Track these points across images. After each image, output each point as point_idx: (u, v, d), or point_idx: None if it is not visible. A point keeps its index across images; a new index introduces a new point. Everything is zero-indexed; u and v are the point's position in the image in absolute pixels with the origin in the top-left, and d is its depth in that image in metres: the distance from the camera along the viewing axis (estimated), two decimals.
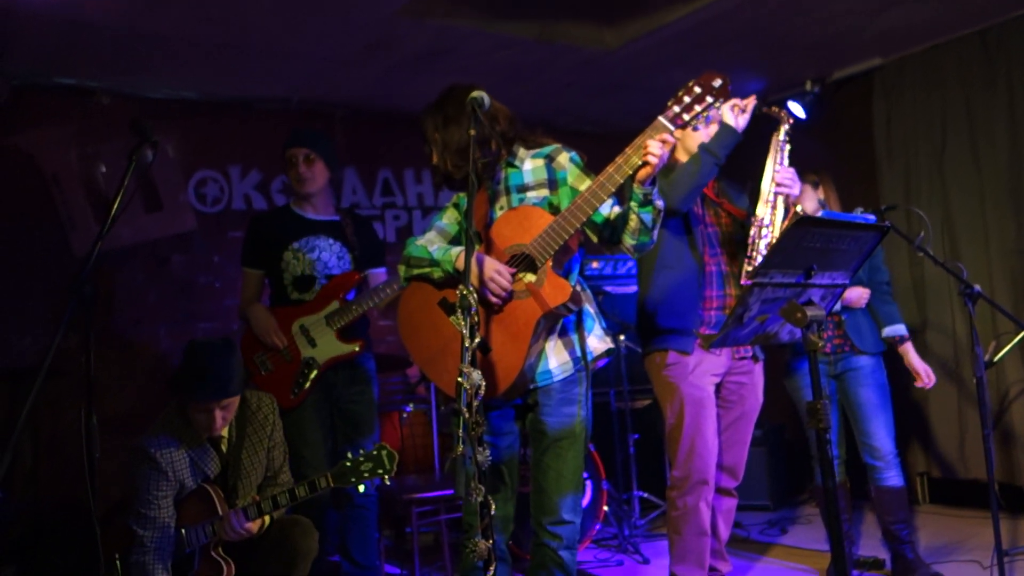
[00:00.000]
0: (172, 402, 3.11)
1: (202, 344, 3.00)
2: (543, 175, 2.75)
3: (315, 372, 3.63)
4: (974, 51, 5.07)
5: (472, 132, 2.45)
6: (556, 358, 2.70)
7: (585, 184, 2.59)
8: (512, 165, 2.79)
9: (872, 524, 4.87)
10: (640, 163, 2.46)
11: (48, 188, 4.96)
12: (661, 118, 2.46)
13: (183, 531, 3.00)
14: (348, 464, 2.95)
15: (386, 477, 2.95)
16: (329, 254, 3.76)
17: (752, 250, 3.28)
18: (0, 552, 3.97)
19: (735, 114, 3.20)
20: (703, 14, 4.58)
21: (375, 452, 2.94)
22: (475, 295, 2.21)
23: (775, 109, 3.39)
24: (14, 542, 4.01)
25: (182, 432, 3.02)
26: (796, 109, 5.78)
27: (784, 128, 3.36)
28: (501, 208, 2.76)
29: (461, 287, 2.20)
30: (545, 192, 2.74)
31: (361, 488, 3.16)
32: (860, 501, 5.19)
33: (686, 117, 2.45)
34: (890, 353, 3.97)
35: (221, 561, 3.00)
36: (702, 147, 3.21)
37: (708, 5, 4.48)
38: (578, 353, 2.73)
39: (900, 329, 3.90)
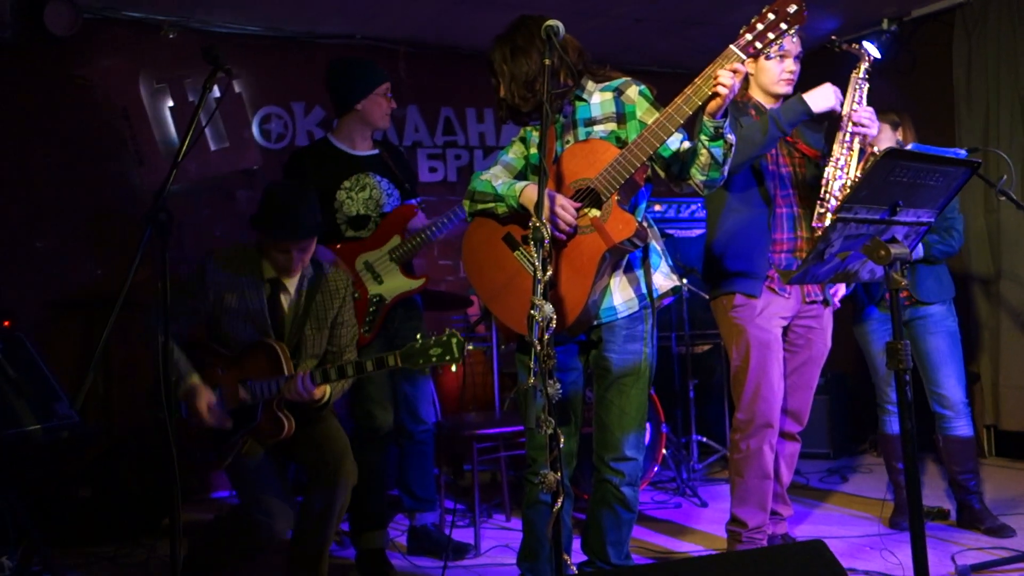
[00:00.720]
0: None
1: (281, 185, 3.04)
2: (611, 108, 2.69)
3: (384, 309, 3.65)
4: None
5: (547, 61, 2.40)
6: (621, 294, 2.66)
7: (654, 118, 2.52)
8: (580, 98, 2.73)
9: (936, 475, 4.80)
10: (710, 94, 2.38)
11: (118, 122, 5.02)
12: (732, 46, 2.37)
13: (248, 384, 3.04)
14: (417, 346, 2.88)
15: (452, 365, 2.93)
16: (379, 191, 3.73)
17: (825, 191, 3.19)
18: (76, 474, 4.11)
19: (836, 96, 3.07)
20: None
21: (444, 338, 2.87)
22: (548, 227, 2.18)
23: (855, 46, 3.29)
24: (89, 465, 4.14)
25: (246, 262, 3.09)
26: (871, 49, 5.56)
27: (864, 66, 3.26)
28: (568, 142, 2.71)
29: (533, 219, 2.17)
30: (613, 126, 2.68)
31: (427, 371, 3.11)
32: (923, 452, 5.11)
33: (759, 45, 2.35)
34: (961, 303, 3.85)
35: (283, 418, 3.02)
36: (771, 117, 3.10)
37: None
38: (643, 290, 2.69)
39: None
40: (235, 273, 3.08)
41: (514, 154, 2.84)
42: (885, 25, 5.60)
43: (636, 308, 2.68)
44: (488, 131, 6.07)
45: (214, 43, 2.51)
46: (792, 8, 2.32)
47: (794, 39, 3.17)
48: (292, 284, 3.15)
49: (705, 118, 2.45)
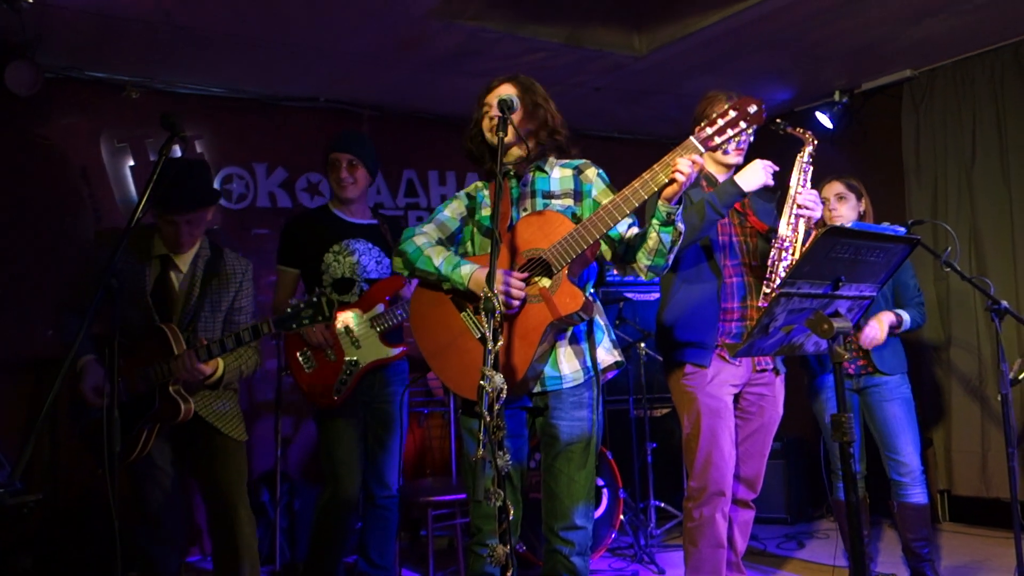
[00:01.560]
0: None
1: (175, 160, 3.08)
2: (570, 185, 2.76)
3: (357, 375, 3.63)
4: (1007, 64, 5.02)
5: (501, 134, 2.46)
6: (568, 365, 2.68)
7: (609, 199, 2.58)
8: (541, 170, 2.79)
9: (891, 541, 4.82)
10: (667, 181, 2.46)
11: (76, 181, 4.99)
12: (692, 138, 2.46)
13: (143, 370, 3.02)
14: (290, 310, 2.99)
15: (325, 325, 3.16)
16: (368, 258, 3.76)
17: (771, 272, 3.25)
18: (17, 543, 3.99)
19: (766, 172, 3.16)
20: (733, 21, 4.56)
21: (315, 299, 2.98)
22: (499, 299, 2.20)
23: (799, 130, 3.37)
24: (31, 534, 4.02)
25: (136, 241, 3.12)
26: (823, 119, 5.75)
27: (808, 150, 3.33)
28: (525, 210, 2.75)
29: (485, 290, 2.19)
30: (570, 202, 2.74)
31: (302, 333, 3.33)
32: (879, 517, 5.13)
33: (718, 140, 2.45)
34: (913, 371, 3.92)
35: (179, 398, 3.01)
36: (707, 202, 3.17)
37: (739, 12, 4.45)
38: (588, 362, 2.72)
39: (904, 314, 3.79)
40: (124, 255, 3.09)
41: (451, 212, 2.85)
42: (837, 97, 5.77)
43: (582, 379, 2.70)
44: (450, 194, 6.10)
45: (174, 110, 2.53)
46: (752, 108, 2.42)
47: (754, 164, 3.24)
48: (184, 262, 3.16)
49: (660, 202, 2.52)
